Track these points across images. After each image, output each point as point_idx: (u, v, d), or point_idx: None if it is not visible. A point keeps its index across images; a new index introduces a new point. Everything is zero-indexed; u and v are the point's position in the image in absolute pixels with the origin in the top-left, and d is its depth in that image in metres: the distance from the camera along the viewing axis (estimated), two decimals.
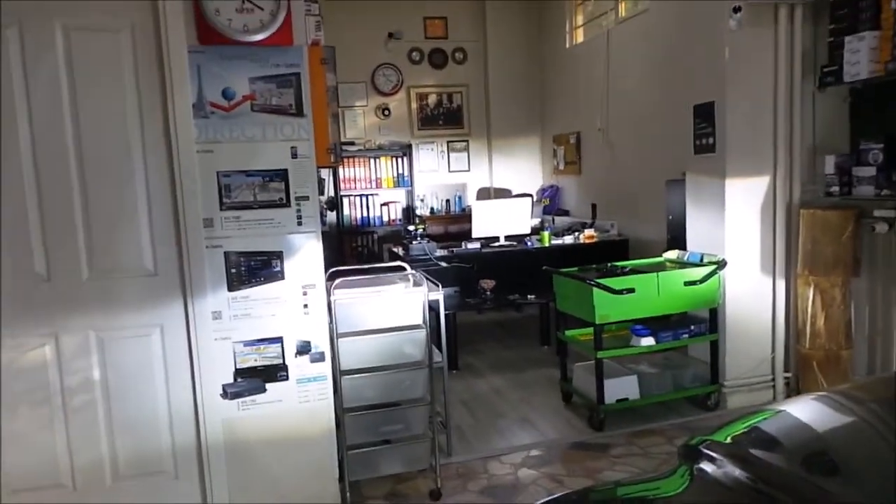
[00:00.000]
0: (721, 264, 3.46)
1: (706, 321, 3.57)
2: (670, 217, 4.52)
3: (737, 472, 1.01)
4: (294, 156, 2.52)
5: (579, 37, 6.56)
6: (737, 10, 3.33)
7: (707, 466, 1.05)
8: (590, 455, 3.15)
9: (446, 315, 3.46)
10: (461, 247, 5.05)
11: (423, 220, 6.03)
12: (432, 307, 3.01)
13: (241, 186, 2.47)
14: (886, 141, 2.96)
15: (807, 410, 1.21)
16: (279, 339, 2.58)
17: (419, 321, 2.87)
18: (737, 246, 3.52)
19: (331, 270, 2.93)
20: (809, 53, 3.38)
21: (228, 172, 2.46)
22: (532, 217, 5.45)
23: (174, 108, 2.36)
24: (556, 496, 1.13)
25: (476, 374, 4.48)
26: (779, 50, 3.39)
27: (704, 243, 3.65)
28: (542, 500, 1.08)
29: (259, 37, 2.34)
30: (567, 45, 6.66)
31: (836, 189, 3.19)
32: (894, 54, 2.81)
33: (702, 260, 3.57)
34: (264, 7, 2.33)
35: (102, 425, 2.45)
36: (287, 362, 2.60)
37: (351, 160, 6.67)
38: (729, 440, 1.11)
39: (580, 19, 6.57)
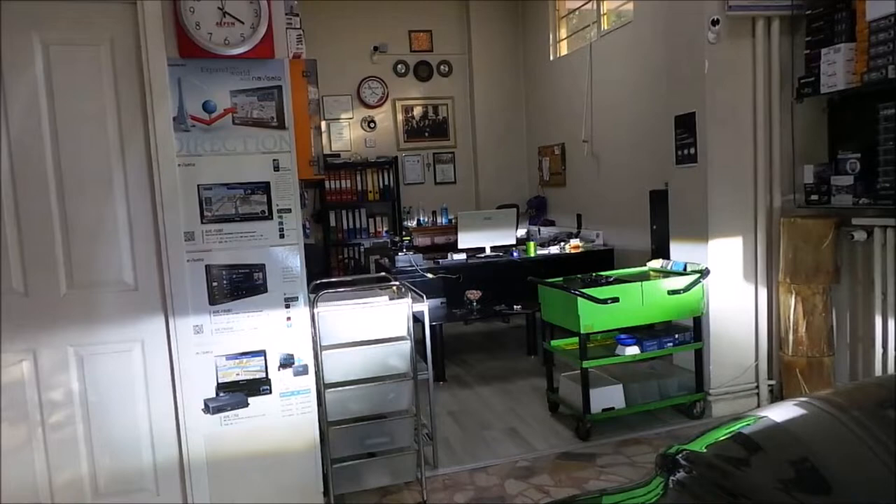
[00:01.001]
0: (704, 273, 3.48)
1: (690, 330, 3.59)
2: (654, 227, 4.56)
3: (713, 483, 1.01)
4: (276, 168, 2.51)
5: (563, 49, 6.62)
6: (715, 22, 3.39)
7: (683, 478, 1.05)
8: (576, 465, 3.14)
9: (433, 326, 3.46)
10: (447, 258, 5.06)
11: (409, 231, 6.04)
12: (417, 318, 3.00)
13: (222, 199, 2.46)
14: (863, 150, 3.00)
15: (788, 416, 1.20)
16: (262, 353, 2.56)
17: (404, 333, 2.86)
18: (719, 255, 3.54)
19: (314, 283, 2.91)
20: (787, 65, 3.44)
21: (210, 185, 2.45)
22: (518, 228, 5.47)
23: (154, 122, 2.35)
24: None
25: (463, 385, 4.47)
26: (757, 62, 3.45)
27: (688, 252, 3.68)
28: None
29: (240, 50, 2.34)
30: (551, 58, 6.72)
31: (815, 198, 3.23)
32: (870, 65, 2.86)
33: (685, 269, 3.60)
34: (245, 21, 2.33)
35: (82, 443, 2.42)
36: (270, 376, 2.57)
37: (337, 173, 6.66)
38: (705, 449, 1.11)
39: (564, 32, 6.64)
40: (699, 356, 3.58)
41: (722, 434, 1.12)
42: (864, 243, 3.12)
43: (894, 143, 2.82)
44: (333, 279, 3.04)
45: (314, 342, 2.67)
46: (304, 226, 2.66)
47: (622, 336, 3.51)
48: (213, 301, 2.49)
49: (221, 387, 2.53)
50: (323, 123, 6.67)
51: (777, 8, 3.37)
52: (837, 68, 3.00)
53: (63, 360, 2.37)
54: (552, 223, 6.65)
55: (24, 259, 2.31)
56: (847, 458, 0.99)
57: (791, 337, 3.34)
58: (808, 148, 3.42)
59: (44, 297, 2.33)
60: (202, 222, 2.45)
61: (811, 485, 0.99)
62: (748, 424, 1.17)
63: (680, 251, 3.76)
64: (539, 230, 6.41)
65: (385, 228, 6.84)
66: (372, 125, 7.00)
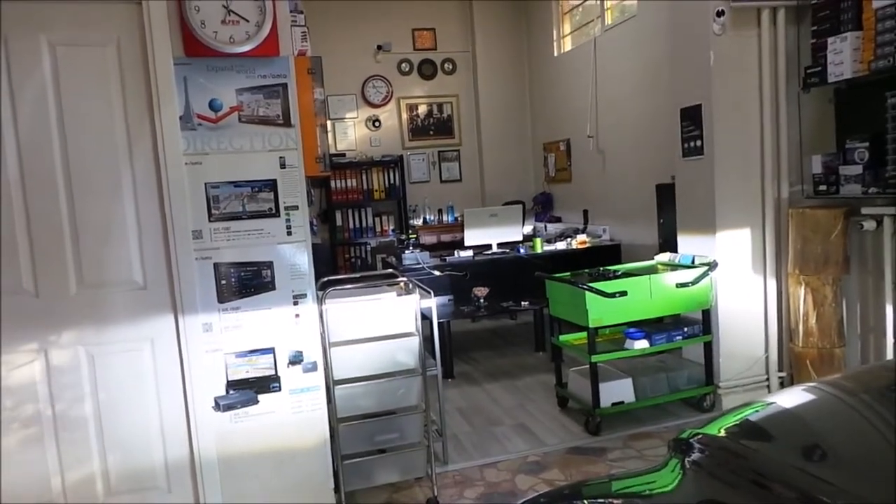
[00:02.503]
0: (712, 266, 3.47)
1: (699, 323, 3.57)
2: (661, 221, 4.54)
3: (730, 464, 1.01)
4: (282, 166, 2.52)
5: (567, 45, 6.61)
6: (720, 13, 3.37)
7: (699, 459, 1.05)
8: (587, 459, 3.14)
9: (440, 324, 3.47)
10: (454, 255, 5.06)
11: (415, 229, 6.05)
12: (425, 315, 3.01)
13: (229, 197, 2.47)
14: (871, 139, 2.98)
15: (797, 401, 1.21)
16: (271, 350, 2.56)
17: (412, 328, 2.86)
18: (727, 247, 3.53)
19: (322, 280, 2.92)
20: (793, 55, 3.41)
21: (217, 184, 2.46)
22: (524, 224, 5.47)
23: (161, 121, 2.36)
24: (548, 490, 1.13)
25: (471, 382, 4.47)
26: (763, 52, 3.43)
27: (695, 245, 3.66)
28: (536, 494, 1.07)
29: (245, 48, 2.35)
30: (555, 54, 6.71)
31: (823, 188, 3.21)
32: (877, 53, 2.83)
33: (693, 262, 3.58)
34: (250, 19, 2.33)
35: (94, 441, 2.43)
36: (279, 373, 2.58)
37: (342, 172, 6.67)
38: (721, 433, 1.11)
39: (567, 28, 6.63)
40: (708, 349, 3.56)
41: (735, 418, 1.12)
42: (874, 233, 3.10)
43: None
44: (341, 276, 3.04)
45: (323, 339, 2.67)
46: (311, 223, 2.67)
47: (631, 330, 3.50)
48: (221, 299, 2.49)
49: (231, 384, 2.54)
50: (328, 123, 6.68)
51: None
52: (844, 57, 2.97)
53: (74, 360, 2.38)
54: (558, 219, 6.64)
55: (34, 259, 2.32)
56: (856, 438, 0.99)
57: (801, 328, 3.32)
58: (815, 138, 3.40)
59: (54, 297, 2.35)
60: (210, 220, 2.46)
61: (822, 464, 0.98)
62: (759, 409, 1.17)
63: (688, 244, 3.74)
64: (545, 226, 6.41)
65: (391, 227, 6.85)
66: (377, 124, 7.01)
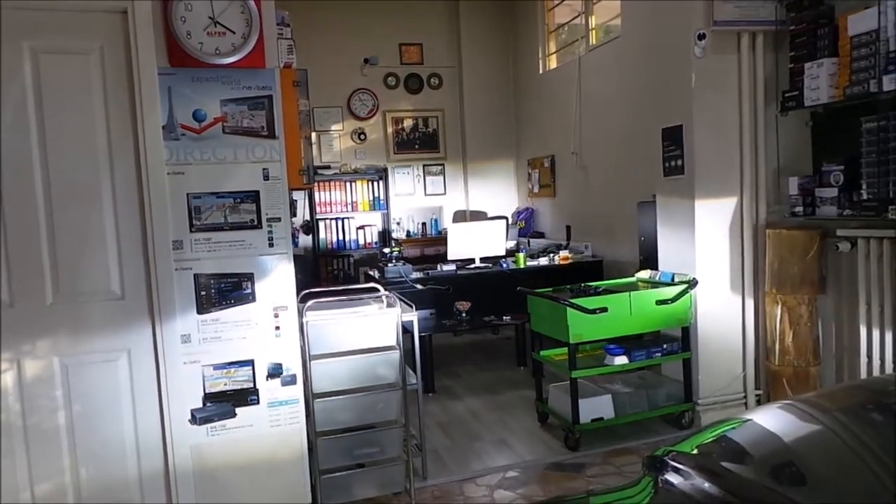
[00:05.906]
0: (692, 283, 3.51)
1: (678, 340, 3.60)
2: (642, 238, 4.59)
3: (703, 483, 1.02)
4: (266, 177, 2.51)
5: (552, 63, 6.69)
6: (701, 37, 3.44)
7: (673, 478, 1.05)
8: (566, 475, 3.14)
9: (422, 337, 3.46)
10: (437, 269, 5.06)
11: (398, 242, 6.04)
12: (406, 329, 3.00)
13: (211, 208, 2.46)
14: (846, 163, 3.05)
15: (773, 419, 1.22)
16: (250, 362, 2.54)
17: (393, 342, 2.85)
18: (707, 265, 3.57)
19: (303, 293, 2.91)
20: (771, 79, 3.49)
21: (199, 194, 2.45)
22: (508, 239, 5.49)
23: (144, 130, 2.35)
24: None
25: (452, 397, 4.46)
26: (742, 76, 3.50)
27: (676, 263, 3.71)
28: None
29: (230, 59, 2.35)
30: (540, 71, 6.79)
31: (800, 209, 3.27)
32: (852, 79, 2.91)
33: (673, 279, 3.62)
34: (236, 30, 2.34)
35: (66, 454, 2.38)
36: (258, 386, 2.56)
37: (327, 184, 6.67)
38: (695, 451, 1.12)
39: (553, 46, 6.71)
40: (687, 366, 3.59)
41: (709, 436, 1.14)
42: (849, 254, 3.16)
43: (877, 155, 2.86)
44: (323, 289, 3.03)
45: (303, 351, 2.66)
46: (293, 235, 2.66)
47: (611, 346, 3.52)
48: (201, 310, 2.47)
49: (209, 397, 2.51)
50: (313, 135, 6.67)
51: (761, 23, 3.42)
52: (821, 82, 3.05)
53: (48, 370, 2.34)
54: (542, 235, 6.68)
55: (10, 268, 2.28)
56: (828, 456, 1.00)
57: (777, 347, 3.37)
58: (792, 160, 3.47)
59: (29, 306, 2.31)
60: (191, 231, 2.45)
61: (795, 482, 1.00)
62: (734, 427, 1.18)
63: (668, 262, 3.78)
64: (528, 242, 6.44)
65: (375, 240, 6.84)
66: (362, 137, 7.02)
